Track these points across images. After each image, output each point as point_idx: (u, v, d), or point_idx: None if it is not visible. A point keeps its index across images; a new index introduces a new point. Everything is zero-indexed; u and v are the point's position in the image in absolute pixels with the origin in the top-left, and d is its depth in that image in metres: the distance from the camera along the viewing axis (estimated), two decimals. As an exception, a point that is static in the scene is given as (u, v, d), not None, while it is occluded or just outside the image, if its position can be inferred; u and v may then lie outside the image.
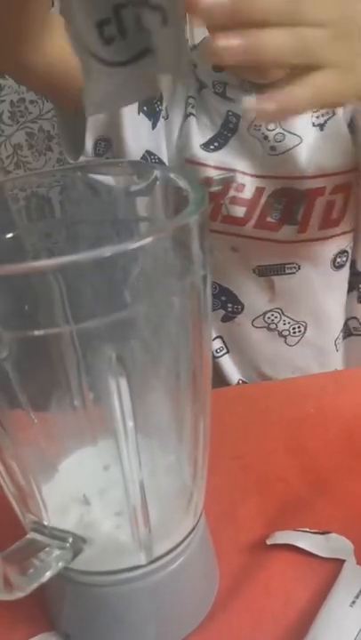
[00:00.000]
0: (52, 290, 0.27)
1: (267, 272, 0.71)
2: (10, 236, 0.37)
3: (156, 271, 0.28)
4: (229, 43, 0.33)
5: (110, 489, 0.36)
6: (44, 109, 0.92)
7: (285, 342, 0.75)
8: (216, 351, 0.76)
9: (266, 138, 0.66)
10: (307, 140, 0.66)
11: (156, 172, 0.34)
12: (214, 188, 0.67)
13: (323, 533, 0.42)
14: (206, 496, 0.38)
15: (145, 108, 0.65)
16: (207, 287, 0.29)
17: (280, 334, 0.75)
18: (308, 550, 0.41)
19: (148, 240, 0.25)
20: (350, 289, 0.76)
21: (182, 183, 0.31)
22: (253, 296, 0.73)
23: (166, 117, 0.67)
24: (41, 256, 0.38)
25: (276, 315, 0.73)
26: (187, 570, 0.36)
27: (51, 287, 0.27)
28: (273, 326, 0.74)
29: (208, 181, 0.67)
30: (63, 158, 0.97)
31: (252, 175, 0.67)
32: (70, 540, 0.32)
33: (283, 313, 0.73)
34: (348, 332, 0.78)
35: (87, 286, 0.28)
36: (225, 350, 0.77)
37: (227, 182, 0.67)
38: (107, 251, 0.25)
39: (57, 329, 0.28)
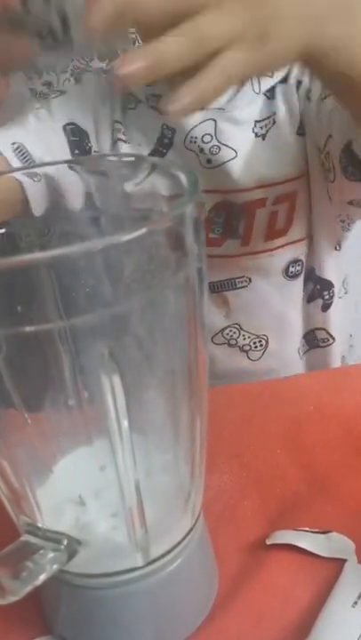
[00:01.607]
0: (44, 285, 0.26)
1: (218, 288, 0.70)
2: (2, 231, 0.36)
3: (149, 265, 0.27)
4: (131, 68, 0.32)
5: (106, 489, 0.35)
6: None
7: (248, 357, 0.74)
8: None
9: (202, 150, 0.64)
10: (243, 152, 0.64)
11: (151, 164, 0.33)
12: None
13: (323, 533, 0.42)
14: (205, 495, 0.37)
15: (77, 151, 0.64)
16: (203, 281, 0.29)
17: (241, 349, 0.73)
18: (309, 550, 0.41)
19: (142, 232, 0.24)
20: (313, 297, 0.74)
21: (177, 173, 0.30)
22: (209, 313, 0.71)
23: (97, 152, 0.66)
24: (34, 252, 0.37)
25: (234, 330, 0.72)
26: (185, 571, 0.36)
27: (43, 282, 0.26)
28: (233, 342, 0.73)
29: None
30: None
31: None
32: (65, 541, 0.31)
33: (241, 328, 0.72)
34: (313, 342, 0.76)
35: (80, 281, 0.27)
36: None
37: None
38: (98, 243, 0.24)
39: (49, 325, 0.27)
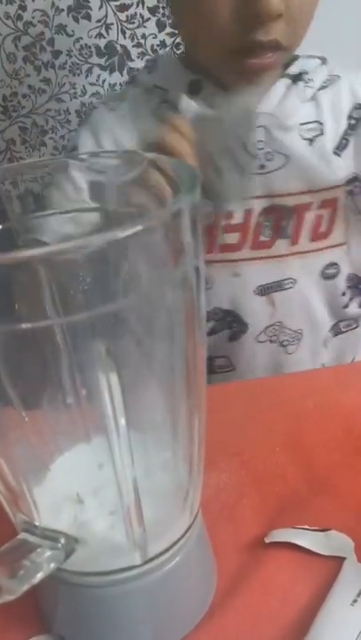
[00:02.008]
0: (41, 282, 0.26)
1: (267, 291, 0.73)
2: (0, 228, 0.36)
3: (147, 262, 0.27)
4: None
5: (105, 487, 0.35)
6: (37, 103, 0.92)
7: (286, 351, 0.77)
8: (220, 366, 0.78)
9: (257, 157, 0.67)
10: (294, 158, 0.67)
11: (147, 160, 0.33)
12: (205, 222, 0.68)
13: (322, 531, 0.41)
14: (204, 494, 0.37)
15: None
16: (200, 278, 0.28)
17: (280, 344, 0.77)
18: (308, 548, 0.40)
19: (138, 228, 0.24)
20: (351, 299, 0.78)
21: (173, 170, 0.30)
22: (256, 315, 0.75)
23: None
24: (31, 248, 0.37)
25: (276, 327, 0.75)
26: (183, 569, 0.35)
27: (40, 279, 0.26)
28: (275, 338, 0.76)
29: None
30: (57, 153, 0.96)
31: None
32: (62, 540, 0.31)
33: (283, 325, 0.75)
34: (338, 331, 0.79)
35: (77, 278, 0.27)
36: (231, 367, 0.79)
37: (215, 213, 0.68)
38: (95, 239, 0.24)
39: (46, 322, 0.27)
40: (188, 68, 0.68)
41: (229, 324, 0.75)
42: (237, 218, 0.68)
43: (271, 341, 0.76)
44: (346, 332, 0.80)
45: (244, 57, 0.60)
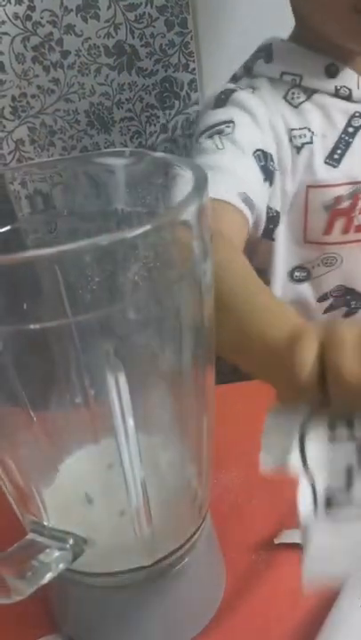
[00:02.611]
0: (50, 282, 0.26)
1: None
2: (8, 228, 0.36)
3: (155, 261, 0.27)
4: None
5: (114, 488, 0.35)
6: (46, 104, 0.92)
7: None
8: None
9: None
10: None
11: (156, 160, 0.33)
12: (345, 204, 0.69)
13: (332, 532, 0.41)
14: (213, 494, 0.37)
15: (264, 176, 0.65)
16: (207, 277, 0.28)
17: None
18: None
19: (147, 228, 0.24)
20: None
21: (183, 169, 0.30)
22: None
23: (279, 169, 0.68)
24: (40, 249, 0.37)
25: None
26: (192, 570, 0.35)
27: (49, 279, 0.26)
28: None
29: (338, 200, 0.69)
30: (65, 153, 0.96)
31: None
32: (71, 540, 0.31)
33: None
34: None
35: (86, 278, 0.27)
36: None
37: (355, 194, 0.68)
38: (104, 239, 0.24)
39: (54, 322, 0.27)
40: (311, 51, 0.68)
41: (348, 301, 0.77)
42: None
43: None
44: None
45: None
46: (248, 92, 0.69)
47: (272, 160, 0.67)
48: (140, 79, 0.91)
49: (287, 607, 0.37)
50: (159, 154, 0.34)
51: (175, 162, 0.32)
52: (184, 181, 0.30)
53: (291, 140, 0.68)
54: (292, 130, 0.68)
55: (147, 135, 0.96)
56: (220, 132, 0.65)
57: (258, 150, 0.65)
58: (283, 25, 0.70)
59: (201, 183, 0.28)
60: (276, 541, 0.41)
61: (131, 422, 0.28)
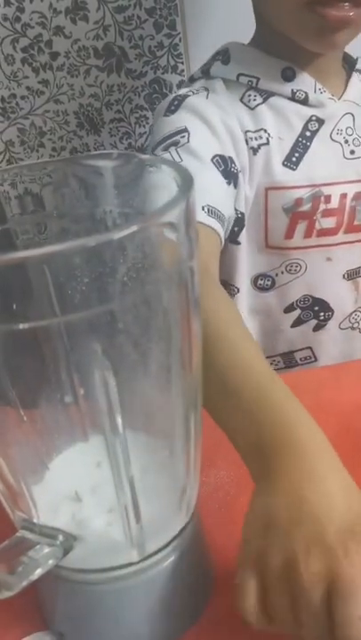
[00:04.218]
0: (39, 282, 0.26)
1: (354, 274, 0.75)
2: (-1, 229, 0.36)
3: (143, 261, 0.27)
4: None
5: (103, 486, 0.35)
6: (35, 105, 0.92)
7: None
8: (303, 358, 0.80)
9: (346, 142, 0.69)
10: None
11: (144, 162, 0.33)
12: (305, 207, 0.69)
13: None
14: (202, 491, 0.37)
15: (227, 180, 0.66)
16: (194, 277, 0.29)
17: (360, 331, 0.79)
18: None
19: (134, 229, 0.24)
20: None
21: (169, 171, 0.30)
22: (342, 300, 0.76)
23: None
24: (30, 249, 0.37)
25: (358, 314, 0.77)
26: (180, 566, 0.36)
27: (38, 279, 0.26)
28: (356, 325, 0.78)
29: (298, 203, 0.69)
30: (55, 154, 0.97)
31: (335, 184, 0.69)
32: (60, 537, 0.32)
33: None
34: None
35: (74, 278, 0.27)
36: (313, 359, 0.80)
37: (315, 198, 0.69)
38: (91, 240, 0.24)
39: (43, 322, 0.27)
40: (272, 56, 0.69)
41: (316, 313, 0.76)
42: (334, 202, 0.70)
43: (353, 328, 0.78)
44: None
45: (320, 7, 0.59)
46: (202, 96, 0.68)
47: (233, 162, 0.66)
48: (129, 80, 0.91)
49: (275, 602, 0.38)
50: (146, 156, 0.34)
51: (161, 163, 0.32)
52: (169, 183, 0.30)
53: (247, 141, 0.68)
54: (248, 132, 0.68)
55: (136, 136, 0.97)
56: (175, 144, 0.64)
57: (216, 156, 0.65)
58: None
59: (187, 184, 0.28)
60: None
61: (119, 420, 0.29)
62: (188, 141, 0.63)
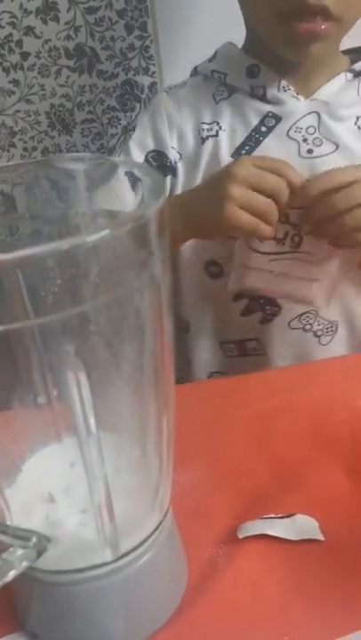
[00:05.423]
0: (11, 285, 0.27)
1: (301, 301, 0.73)
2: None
3: (115, 264, 0.27)
4: None
5: (76, 486, 0.35)
6: (6, 105, 0.91)
7: (319, 342, 0.78)
8: (253, 349, 0.79)
9: (305, 140, 0.70)
10: (343, 146, 0.69)
11: (116, 164, 0.34)
12: None
13: (288, 516, 0.43)
14: (176, 491, 0.38)
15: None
16: (166, 278, 0.29)
17: (315, 334, 0.77)
18: (278, 536, 0.42)
19: (106, 233, 0.25)
20: None
21: (142, 174, 0.31)
22: None
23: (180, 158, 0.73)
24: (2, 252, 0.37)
25: (311, 316, 0.76)
26: (154, 566, 0.36)
27: (10, 282, 0.26)
28: (308, 327, 0.77)
29: None
30: (26, 155, 0.96)
31: None
32: (34, 539, 0.32)
33: (318, 314, 0.76)
34: None
35: (47, 280, 0.28)
36: (262, 351, 0.79)
37: None
38: (64, 244, 0.24)
39: (15, 324, 0.27)
40: (247, 54, 0.72)
41: (262, 306, 0.76)
42: None
43: (304, 330, 0.77)
44: None
45: (291, 20, 0.61)
46: (166, 95, 0.76)
47: (167, 156, 0.72)
48: (100, 81, 0.91)
49: (248, 598, 0.39)
50: (118, 158, 0.35)
51: (132, 166, 0.33)
52: (142, 184, 0.31)
53: (199, 132, 0.72)
54: (203, 123, 0.72)
55: (108, 137, 0.97)
56: (125, 140, 0.76)
57: (152, 151, 0.73)
58: (241, 30, 0.72)
59: (158, 187, 0.29)
60: (240, 536, 0.42)
61: (92, 421, 0.29)
62: (131, 139, 0.73)
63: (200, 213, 0.61)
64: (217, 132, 0.71)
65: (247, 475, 0.49)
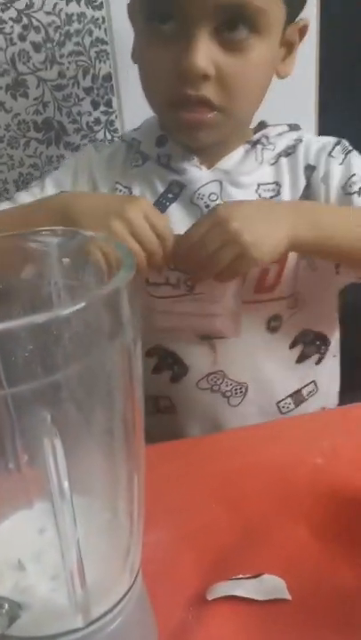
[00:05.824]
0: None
1: (208, 336, 0.74)
2: None
3: (88, 333, 0.29)
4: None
5: (46, 553, 0.35)
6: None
7: (228, 403, 0.78)
8: (165, 407, 0.79)
9: (207, 206, 0.72)
10: None
11: (87, 238, 0.36)
12: None
13: (256, 577, 0.43)
14: (143, 552, 0.38)
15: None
16: (137, 347, 0.31)
17: (223, 395, 0.77)
18: (246, 597, 0.42)
19: (81, 306, 0.26)
20: (304, 358, 0.79)
21: (112, 249, 0.33)
22: (197, 359, 0.76)
23: None
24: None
25: (219, 377, 0.76)
26: (125, 630, 0.36)
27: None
28: (216, 387, 0.77)
29: None
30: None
31: None
32: (6, 606, 0.32)
33: (226, 375, 0.76)
34: (300, 399, 0.81)
35: (21, 350, 0.29)
36: (173, 410, 0.79)
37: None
38: (40, 318, 0.26)
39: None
40: (160, 126, 0.76)
41: (170, 365, 0.76)
42: None
43: (212, 390, 0.77)
44: (308, 399, 0.81)
45: (177, 109, 0.66)
46: (93, 149, 0.81)
47: None
48: (67, 152, 0.95)
49: (218, 661, 0.39)
50: (89, 233, 0.37)
51: (103, 240, 0.35)
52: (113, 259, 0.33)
53: (113, 192, 0.76)
54: (117, 183, 0.76)
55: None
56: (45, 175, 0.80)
57: (66, 192, 0.76)
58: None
59: (129, 261, 0.31)
60: (209, 597, 0.42)
61: (66, 485, 0.30)
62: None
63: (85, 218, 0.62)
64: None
65: (214, 534, 0.49)
